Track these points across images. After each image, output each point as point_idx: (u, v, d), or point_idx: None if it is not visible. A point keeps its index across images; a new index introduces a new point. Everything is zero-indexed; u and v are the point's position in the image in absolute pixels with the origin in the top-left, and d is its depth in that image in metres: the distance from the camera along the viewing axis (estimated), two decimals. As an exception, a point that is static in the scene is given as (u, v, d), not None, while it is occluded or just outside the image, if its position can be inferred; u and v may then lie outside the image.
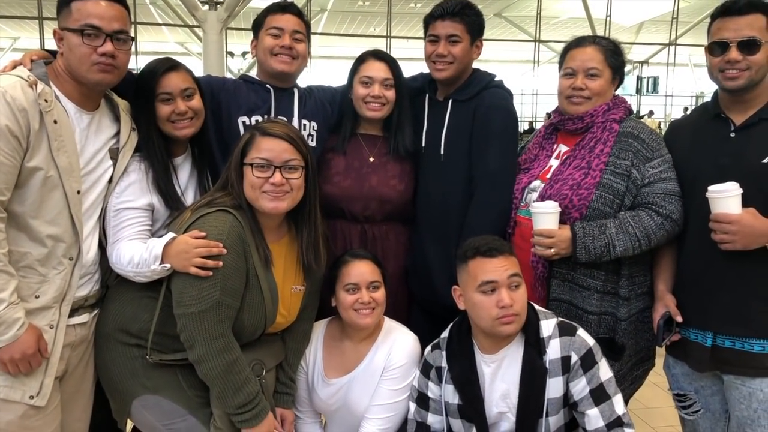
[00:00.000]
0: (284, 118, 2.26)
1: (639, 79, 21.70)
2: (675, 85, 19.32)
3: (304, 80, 2.49)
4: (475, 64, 2.42)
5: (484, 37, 2.37)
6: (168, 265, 1.79)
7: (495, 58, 25.76)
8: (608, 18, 17.88)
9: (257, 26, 2.33)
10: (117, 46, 1.78)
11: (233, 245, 1.80)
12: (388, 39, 16.31)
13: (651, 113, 19.87)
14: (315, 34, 18.69)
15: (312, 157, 1.96)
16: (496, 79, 2.38)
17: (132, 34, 1.86)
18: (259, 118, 2.25)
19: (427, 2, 13.89)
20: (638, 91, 21.49)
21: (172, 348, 1.85)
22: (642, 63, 22.61)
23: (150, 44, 21.11)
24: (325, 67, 18.68)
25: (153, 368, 1.86)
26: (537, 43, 18.47)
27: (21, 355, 1.69)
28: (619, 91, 2.28)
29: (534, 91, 22.42)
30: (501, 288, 1.82)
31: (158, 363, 1.86)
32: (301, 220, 1.98)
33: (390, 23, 16.51)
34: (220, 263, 1.78)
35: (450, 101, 2.32)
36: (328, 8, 19.02)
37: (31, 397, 1.74)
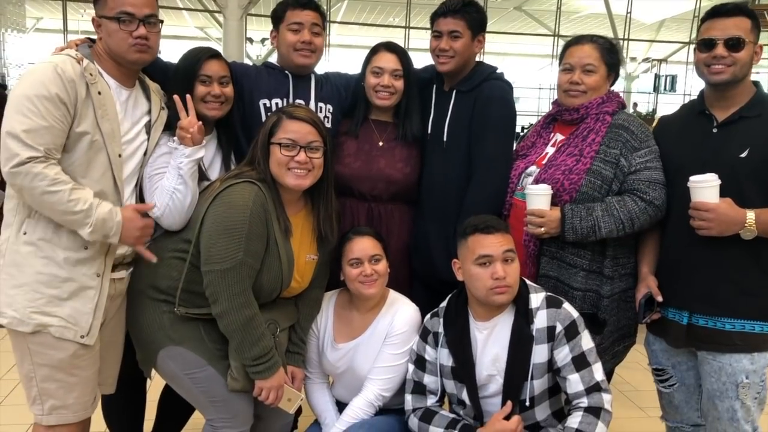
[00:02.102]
0: (302, 101, 2.44)
1: (657, 77, 21.54)
2: (694, 83, 19.15)
3: (321, 68, 2.65)
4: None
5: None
6: (176, 138, 2.07)
7: (514, 52, 25.65)
8: (629, 14, 17.80)
9: (277, 19, 2.47)
10: (149, 29, 1.97)
11: (257, 212, 1.97)
12: (407, 29, 16.36)
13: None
14: (334, 22, 18.75)
15: (330, 139, 2.15)
16: (497, 71, 2.53)
17: (161, 17, 2.05)
18: (279, 101, 2.44)
19: (446, -6, 13.82)
20: (656, 89, 21.33)
21: (197, 304, 2.03)
22: (660, 61, 22.44)
23: (170, 28, 21.27)
24: (344, 55, 18.75)
25: (178, 322, 2.04)
26: (556, 38, 18.44)
27: (135, 229, 1.93)
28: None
29: (551, 85, 22.32)
30: (496, 262, 1.99)
31: (184, 316, 2.03)
32: (318, 196, 2.16)
33: (409, 14, 16.55)
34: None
35: (454, 92, 2.49)
36: (348, -3, 19.10)
37: (82, 337, 1.92)
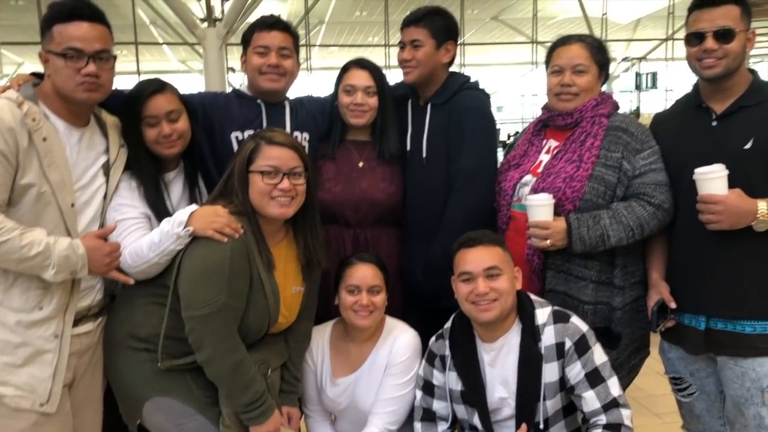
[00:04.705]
0: None
1: (638, 75, 21.67)
2: (674, 79, 19.29)
3: (304, 91, 2.57)
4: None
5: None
6: (191, 229, 1.82)
7: (494, 62, 25.83)
8: (604, 16, 17.92)
9: (245, 42, 2.36)
10: (99, 65, 1.82)
11: (238, 249, 1.85)
12: (387, 48, 16.41)
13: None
14: (314, 46, 18.80)
15: (311, 164, 2.04)
16: (471, 80, 2.46)
17: (114, 53, 1.90)
18: (252, 132, 2.29)
19: (423, 9, 13.90)
20: (638, 87, 21.45)
21: (182, 351, 1.90)
22: (640, 59, 22.59)
23: (152, 64, 21.28)
24: (326, 78, 18.77)
25: (163, 371, 1.92)
26: (534, 45, 18.52)
27: (102, 256, 1.78)
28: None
29: (534, 92, 22.48)
30: (477, 278, 1.92)
31: (169, 369, 1.91)
32: (303, 223, 2.05)
33: (388, 32, 16.61)
34: (238, 233, 1.86)
35: (429, 105, 2.41)
36: (326, 20, 19.15)
37: (41, 405, 1.79)
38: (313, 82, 15.25)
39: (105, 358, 2.00)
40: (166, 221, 1.89)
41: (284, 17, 2.39)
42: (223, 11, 11.13)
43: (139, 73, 14.92)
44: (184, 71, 22.57)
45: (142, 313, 1.94)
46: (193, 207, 1.89)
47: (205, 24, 10.96)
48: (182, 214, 1.86)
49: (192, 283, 1.84)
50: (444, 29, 2.38)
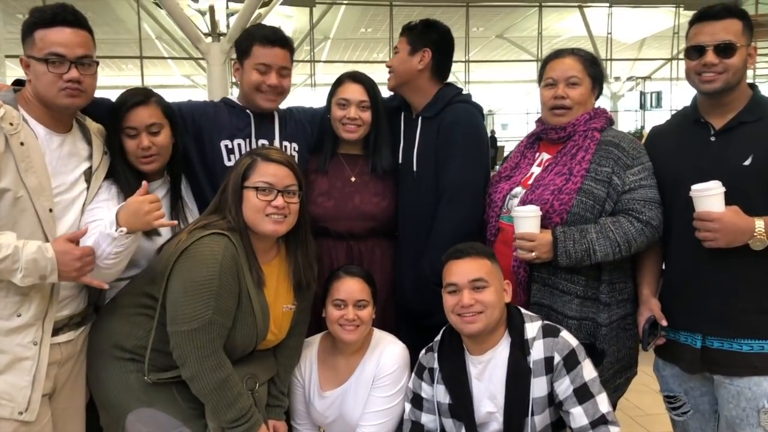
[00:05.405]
0: (266, 141, 2.31)
1: (642, 94, 21.73)
2: (679, 98, 19.34)
3: (307, 104, 2.56)
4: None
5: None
6: (124, 229, 1.76)
7: (499, 79, 25.94)
8: (609, 35, 17.98)
9: (241, 52, 2.28)
10: (82, 71, 1.80)
11: (227, 266, 1.84)
12: (392, 64, 16.47)
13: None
14: (318, 62, 18.90)
15: (305, 182, 2.03)
16: (462, 93, 2.45)
17: (95, 59, 1.88)
18: (241, 142, 2.29)
19: (427, 26, 13.97)
20: (642, 106, 21.50)
21: (169, 365, 1.88)
22: (645, 79, 22.65)
23: (157, 78, 21.43)
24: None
25: (148, 383, 1.89)
26: (539, 63, 18.63)
27: (72, 260, 1.72)
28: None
29: (538, 110, 22.56)
30: (463, 289, 1.91)
31: (156, 382, 1.88)
32: (295, 242, 2.03)
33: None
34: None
35: (420, 118, 2.40)
36: (331, 36, 19.28)
37: (20, 413, 1.76)
38: (317, 97, 15.31)
39: (88, 367, 1.97)
40: (101, 224, 1.81)
41: (290, 33, 2.36)
42: (227, 26, 11.20)
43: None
44: (189, 86, 22.72)
45: (128, 323, 1.92)
46: (119, 205, 1.83)
47: (210, 39, 11.03)
48: (111, 214, 1.80)
49: (179, 297, 1.82)
50: (419, 36, 2.38)
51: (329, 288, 2.15)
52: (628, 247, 2.03)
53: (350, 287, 2.13)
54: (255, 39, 2.26)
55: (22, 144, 1.74)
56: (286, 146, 2.36)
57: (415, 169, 2.37)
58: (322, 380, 2.20)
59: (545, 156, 2.25)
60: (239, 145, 2.29)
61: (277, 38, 2.26)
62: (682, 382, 2.10)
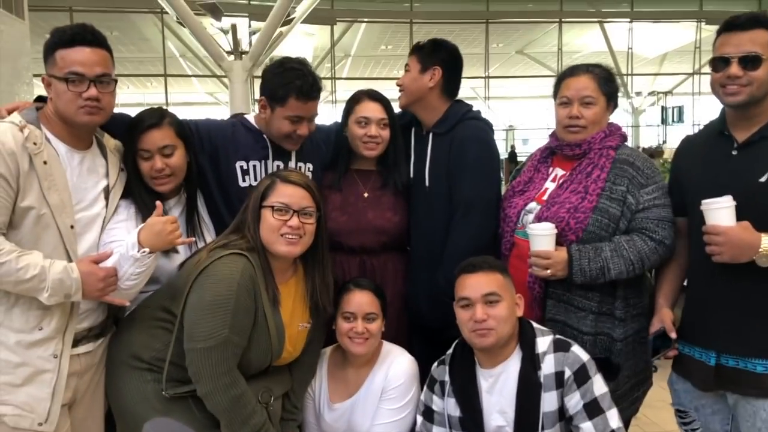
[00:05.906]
0: (281, 164, 2.33)
1: (663, 109, 21.55)
2: (700, 113, 19.18)
3: (328, 122, 2.59)
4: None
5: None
6: (147, 249, 1.82)
7: (519, 95, 25.94)
8: (630, 50, 17.92)
9: (276, 98, 2.20)
10: (100, 89, 1.84)
11: (244, 285, 1.87)
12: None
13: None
14: (339, 78, 19.08)
15: (323, 205, 2.06)
16: (473, 110, 2.47)
17: (115, 77, 1.92)
18: (257, 163, 2.30)
19: (447, 43, 14.04)
20: (663, 121, 21.31)
21: (186, 378, 1.91)
22: (666, 93, 22.49)
23: (181, 95, 21.77)
24: (350, 110, 18.91)
25: (166, 397, 1.92)
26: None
27: (96, 281, 1.79)
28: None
29: (559, 125, 22.44)
30: (476, 304, 1.92)
31: (173, 397, 1.91)
32: (313, 264, 2.07)
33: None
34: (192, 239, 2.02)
35: (431, 135, 2.43)
36: (352, 53, 19.48)
37: (40, 425, 1.80)
38: (337, 113, 15.42)
39: (106, 377, 2.01)
40: (122, 246, 1.86)
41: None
42: (249, 44, 11.37)
43: (167, 104, 15.28)
44: (212, 102, 23.03)
45: (146, 335, 1.96)
46: (140, 226, 1.88)
47: (232, 57, 11.20)
48: (132, 236, 1.85)
49: (196, 315, 1.86)
50: (429, 54, 2.42)
51: (339, 301, 2.18)
52: (642, 265, 2.05)
53: (359, 300, 2.16)
54: (292, 91, 2.18)
55: (45, 163, 1.80)
56: (300, 167, 2.39)
57: (427, 184, 2.40)
58: (332, 392, 2.22)
59: (559, 171, 2.26)
60: (254, 166, 2.30)
61: (314, 92, 2.22)
62: (693, 399, 2.06)
